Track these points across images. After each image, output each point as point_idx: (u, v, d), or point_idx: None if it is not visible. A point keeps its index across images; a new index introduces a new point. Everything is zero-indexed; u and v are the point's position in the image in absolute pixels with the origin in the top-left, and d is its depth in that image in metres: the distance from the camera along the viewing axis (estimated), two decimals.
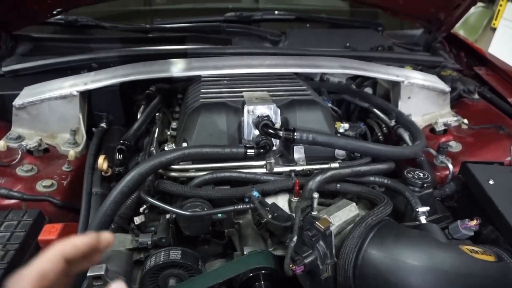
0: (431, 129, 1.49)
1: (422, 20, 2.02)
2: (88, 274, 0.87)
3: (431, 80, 1.56)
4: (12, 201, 1.08)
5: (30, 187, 1.13)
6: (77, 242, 0.43)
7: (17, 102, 1.30)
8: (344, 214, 0.89)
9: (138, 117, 1.37)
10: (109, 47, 1.72)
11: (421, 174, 1.06)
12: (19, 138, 1.28)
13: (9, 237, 0.93)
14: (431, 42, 2.01)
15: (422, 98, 1.54)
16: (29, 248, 0.95)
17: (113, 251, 1.00)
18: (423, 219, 0.93)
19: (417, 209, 0.95)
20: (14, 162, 1.18)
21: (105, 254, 0.99)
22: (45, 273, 0.39)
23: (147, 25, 1.91)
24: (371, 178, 1.08)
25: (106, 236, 0.48)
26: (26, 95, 1.33)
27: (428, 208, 0.94)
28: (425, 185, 1.03)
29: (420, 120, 1.54)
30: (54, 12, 1.77)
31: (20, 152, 1.21)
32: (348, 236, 0.83)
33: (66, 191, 1.17)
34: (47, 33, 1.91)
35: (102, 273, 0.87)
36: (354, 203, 0.92)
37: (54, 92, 1.31)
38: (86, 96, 1.39)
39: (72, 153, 1.27)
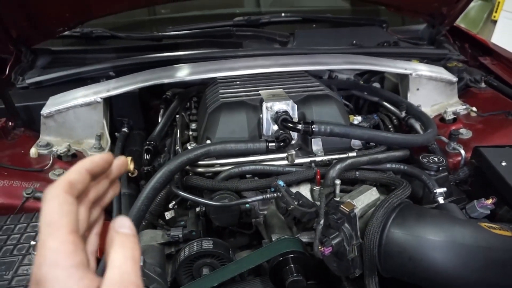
0: (441, 118, 1.54)
1: (425, 15, 2.07)
2: None
3: (438, 72, 1.60)
4: None
5: None
6: (95, 158, 0.49)
7: (44, 111, 1.37)
8: (366, 198, 0.94)
9: (159, 120, 1.43)
10: (124, 56, 1.79)
11: (436, 159, 1.11)
12: (48, 145, 1.34)
13: None
14: (435, 36, 2.06)
15: (431, 89, 1.58)
16: None
17: (146, 246, 1.06)
18: (441, 200, 0.98)
19: (434, 191, 0.99)
20: (46, 167, 1.25)
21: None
22: (73, 182, 0.45)
23: (160, 33, 1.98)
24: (388, 165, 1.13)
25: (121, 158, 0.55)
26: (52, 104, 1.40)
27: (445, 189, 0.99)
28: (440, 168, 1.08)
29: (429, 110, 1.58)
30: (71, 25, 1.85)
31: (51, 158, 1.27)
32: (371, 218, 0.87)
33: None
34: (65, 46, 1.98)
35: (141, 264, 0.92)
36: (375, 188, 0.97)
37: (79, 99, 1.38)
38: (108, 103, 1.45)
39: None
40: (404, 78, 1.59)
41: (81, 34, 1.95)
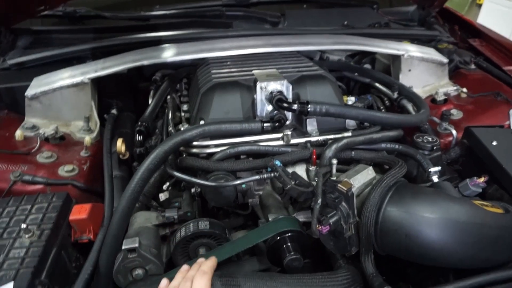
0: (432, 99, 1.55)
1: None
2: (123, 247, 0.92)
3: (429, 53, 1.61)
4: (37, 186, 1.11)
5: (53, 172, 1.15)
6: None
7: (29, 92, 1.32)
8: (362, 177, 0.95)
9: (150, 101, 1.40)
10: (110, 36, 1.73)
11: (430, 138, 1.12)
12: (34, 127, 1.30)
13: (42, 218, 0.96)
14: (425, 17, 2.06)
15: (422, 70, 1.59)
16: (61, 227, 0.98)
17: (141, 227, 1.04)
18: (435, 178, 0.99)
19: (429, 170, 1.00)
20: (33, 150, 1.21)
21: (134, 230, 1.04)
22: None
23: (147, 13, 1.91)
24: (383, 145, 1.13)
25: None
26: (37, 86, 1.34)
27: (439, 168, 1.00)
28: (434, 148, 1.09)
29: (420, 91, 1.59)
30: (52, 3, 1.77)
31: (38, 140, 1.23)
32: (368, 196, 0.88)
33: (87, 175, 1.20)
34: (47, 26, 1.90)
35: (137, 245, 0.92)
36: (371, 167, 0.97)
37: (66, 80, 1.33)
38: (96, 84, 1.41)
39: (87, 139, 1.30)
40: (396, 59, 1.59)
41: (63, 14, 1.88)
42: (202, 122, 1.13)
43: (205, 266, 0.77)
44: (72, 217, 0.99)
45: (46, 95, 1.33)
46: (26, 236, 0.90)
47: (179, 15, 1.89)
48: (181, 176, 1.00)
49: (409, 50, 1.57)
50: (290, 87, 1.16)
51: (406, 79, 1.56)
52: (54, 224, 0.95)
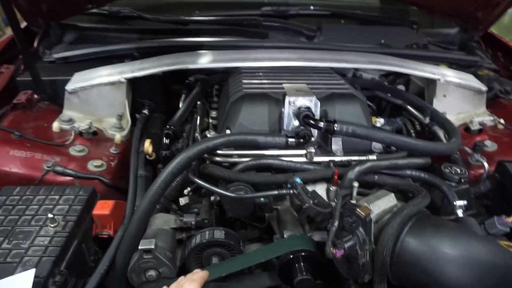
0: (466, 128, 1.49)
1: (458, 19, 2.00)
2: (139, 247, 0.94)
3: (467, 79, 1.56)
4: (67, 178, 1.17)
5: (82, 166, 1.21)
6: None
7: (69, 87, 1.39)
8: (383, 203, 0.93)
9: (180, 105, 1.43)
10: (150, 38, 1.79)
11: (458, 170, 1.08)
12: (70, 120, 1.36)
13: (67, 210, 1.01)
14: (467, 41, 2.00)
15: (458, 97, 1.54)
16: (84, 221, 1.02)
17: (159, 229, 1.07)
18: (460, 213, 0.96)
19: (454, 203, 0.97)
20: (67, 142, 1.27)
21: (152, 231, 1.06)
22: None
23: (187, 17, 1.97)
24: (408, 172, 1.10)
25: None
26: (77, 81, 1.41)
27: (465, 202, 0.97)
28: (462, 180, 1.05)
29: (454, 118, 1.54)
30: (99, 2, 1.86)
31: (72, 134, 1.29)
32: (387, 224, 0.86)
33: (114, 172, 1.24)
34: (92, 23, 1.99)
35: (152, 247, 0.94)
36: (393, 194, 0.95)
37: (104, 78, 1.39)
38: (132, 83, 1.46)
39: (118, 137, 1.35)
40: (431, 83, 1.55)
41: (108, 13, 1.96)
42: (228, 131, 1.15)
43: (196, 275, 0.81)
44: (95, 211, 1.03)
45: (84, 90, 1.39)
46: (52, 225, 0.95)
47: (217, 22, 1.93)
48: (201, 183, 1.02)
49: (445, 74, 1.52)
50: (319, 104, 1.16)
51: (440, 104, 1.52)
52: (78, 217, 0.99)
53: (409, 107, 1.52)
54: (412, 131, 1.48)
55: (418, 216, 0.88)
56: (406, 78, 1.74)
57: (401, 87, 1.73)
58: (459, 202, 0.96)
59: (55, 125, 1.32)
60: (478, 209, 1.13)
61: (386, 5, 2.43)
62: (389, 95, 1.62)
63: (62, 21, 1.86)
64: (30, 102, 1.37)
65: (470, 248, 0.82)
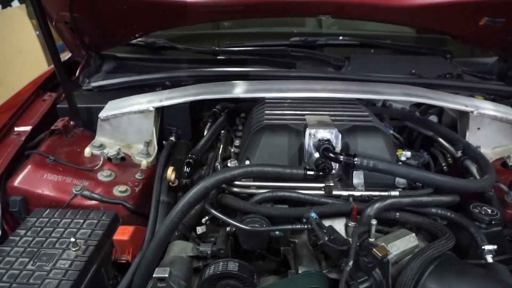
0: (503, 163, 1.41)
1: (497, 48, 1.93)
2: (154, 276, 0.95)
3: (505, 112, 1.48)
4: (93, 202, 1.22)
5: (108, 190, 1.26)
6: None
7: (102, 114, 1.47)
8: (402, 243, 0.88)
9: (205, 133, 1.47)
10: (182, 67, 1.87)
11: (489, 210, 1.01)
12: (101, 146, 1.43)
13: (90, 234, 1.05)
14: (506, 71, 1.91)
15: (494, 130, 1.46)
16: (105, 245, 1.06)
17: (176, 257, 1.08)
18: (489, 258, 0.89)
19: (483, 247, 0.90)
20: (96, 167, 1.33)
21: (169, 258, 1.08)
22: None
23: (217, 48, 2.05)
24: (433, 210, 1.05)
25: None
26: (110, 109, 1.49)
27: (495, 246, 0.90)
28: (493, 222, 0.98)
29: (490, 153, 1.46)
30: (136, 35, 1.98)
31: (102, 159, 1.36)
32: (406, 267, 0.82)
33: (138, 197, 1.28)
34: (129, 53, 2.12)
35: (166, 275, 0.95)
36: (414, 234, 0.91)
37: (134, 107, 1.46)
38: (160, 112, 1.52)
39: (144, 163, 1.40)
40: (464, 115, 1.49)
41: (144, 44, 2.08)
42: (247, 162, 1.16)
43: None
44: (115, 237, 1.06)
45: (116, 118, 1.47)
46: (73, 249, 0.99)
47: (246, 52, 1.99)
48: (216, 214, 1.02)
49: (479, 107, 1.46)
50: (340, 136, 1.14)
51: (474, 137, 1.45)
52: (98, 242, 1.03)
53: (440, 139, 1.46)
54: (444, 164, 1.42)
55: (441, 259, 0.83)
56: (439, 109, 1.68)
57: (434, 118, 1.67)
58: (488, 247, 0.90)
59: (87, 151, 1.39)
60: None
61: (422, 34, 2.39)
62: (420, 126, 1.56)
63: (102, 52, 1.99)
64: (66, 128, 1.45)
65: None
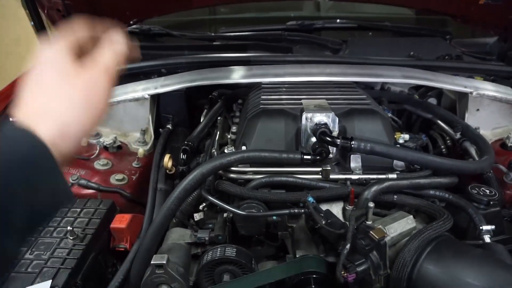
0: (502, 144, 1.40)
1: (497, 28, 1.89)
2: (151, 262, 0.95)
3: (505, 92, 1.46)
4: (90, 191, 1.21)
5: (105, 179, 1.25)
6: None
7: None
8: (400, 226, 0.88)
9: (201, 120, 1.46)
10: (178, 54, 1.84)
11: (487, 191, 1.01)
12: (98, 135, 1.42)
13: (87, 222, 1.05)
14: (507, 51, 1.88)
15: (493, 110, 1.45)
16: (102, 234, 1.06)
17: (174, 244, 1.08)
18: (487, 238, 0.89)
19: (480, 227, 0.90)
20: (92, 156, 1.32)
21: (167, 245, 1.08)
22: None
23: (212, 34, 2.01)
24: (431, 192, 1.04)
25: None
26: None
27: (493, 226, 0.89)
28: (491, 202, 0.98)
29: (489, 134, 1.45)
30: (131, 22, 1.94)
31: (98, 148, 1.35)
32: (403, 249, 0.81)
33: (135, 185, 1.28)
34: None
35: (164, 262, 0.95)
36: (411, 216, 0.90)
37: (129, 94, 1.44)
38: (156, 99, 1.50)
39: (141, 151, 1.39)
40: (462, 97, 1.47)
41: (140, 31, 2.04)
42: (244, 147, 1.15)
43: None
44: (112, 225, 1.06)
45: (111, 106, 1.45)
46: (71, 238, 0.99)
47: (242, 37, 1.95)
48: (213, 200, 1.02)
49: (479, 87, 1.44)
50: (337, 120, 1.13)
51: (473, 119, 1.44)
52: (96, 230, 1.03)
53: (439, 121, 1.45)
54: (443, 146, 1.41)
55: (438, 240, 0.83)
56: (438, 91, 1.66)
57: (433, 100, 1.65)
58: (486, 227, 0.89)
59: (83, 140, 1.37)
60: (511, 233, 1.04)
61: (421, 16, 2.35)
62: (419, 109, 1.55)
63: None
64: None
65: (496, 278, 0.75)
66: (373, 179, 1.06)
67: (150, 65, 1.70)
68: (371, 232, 0.82)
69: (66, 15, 1.69)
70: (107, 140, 1.37)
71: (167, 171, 1.29)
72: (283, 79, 1.42)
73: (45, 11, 1.72)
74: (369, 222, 0.91)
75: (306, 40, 1.91)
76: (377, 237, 0.81)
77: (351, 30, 2.03)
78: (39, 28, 1.29)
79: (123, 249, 1.07)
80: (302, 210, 0.93)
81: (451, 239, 0.85)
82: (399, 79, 1.45)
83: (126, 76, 1.66)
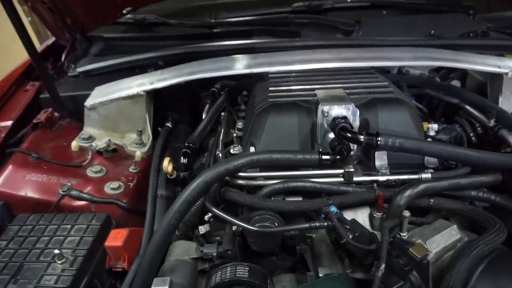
0: None
1: None
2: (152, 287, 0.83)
3: None
4: (82, 202, 1.09)
5: (99, 188, 1.13)
6: None
7: (88, 102, 1.32)
8: (443, 238, 0.74)
9: (203, 117, 1.32)
10: (175, 44, 1.70)
11: None
12: (90, 138, 1.29)
13: (78, 242, 0.93)
14: None
15: None
16: (96, 253, 0.93)
17: (177, 260, 0.96)
18: None
19: None
20: (84, 163, 1.20)
21: (170, 263, 0.95)
22: None
23: (212, 20, 1.86)
24: (473, 193, 0.90)
25: None
26: (97, 96, 1.34)
27: None
28: None
29: None
30: (124, 11, 1.79)
31: (90, 153, 1.22)
32: (451, 269, 0.68)
33: (133, 193, 1.16)
34: (118, 33, 1.94)
35: (166, 287, 0.83)
36: (455, 226, 0.76)
37: (123, 92, 1.31)
38: (152, 95, 1.36)
39: (138, 154, 1.26)
40: (495, 78, 1.31)
41: (134, 21, 1.90)
42: (252, 148, 1.01)
43: None
44: (107, 243, 0.94)
45: (103, 105, 1.32)
46: (59, 262, 0.87)
47: (244, 23, 1.80)
48: (219, 213, 0.89)
49: None
50: (358, 112, 0.98)
51: (508, 103, 1.28)
52: (88, 250, 0.91)
53: (467, 106, 1.29)
54: (472, 135, 1.25)
55: (492, 256, 0.69)
56: (461, 72, 1.50)
57: (456, 83, 1.49)
58: None
59: (74, 144, 1.25)
60: None
61: None
62: (442, 93, 1.39)
63: (88, 33, 1.82)
64: (50, 120, 1.31)
65: None
66: (403, 180, 0.92)
67: (146, 57, 1.57)
68: (410, 250, 0.69)
69: (52, 7, 1.55)
70: (100, 143, 1.24)
71: (168, 176, 1.16)
72: (292, 67, 1.27)
73: (29, 4, 1.59)
74: (403, 234, 0.78)
75: (315, 23, 1.75)
76: (419, 256, 0.67)
77: (363, 9, 1.86)
78: (15, 20, 1.14)
79: (121, 269, 0.95)
80: (325, 224, 0.79)
81: (507, 253, 0.71)
82: (424, 61, 1.29)
83: (120, 71, 1.53)
